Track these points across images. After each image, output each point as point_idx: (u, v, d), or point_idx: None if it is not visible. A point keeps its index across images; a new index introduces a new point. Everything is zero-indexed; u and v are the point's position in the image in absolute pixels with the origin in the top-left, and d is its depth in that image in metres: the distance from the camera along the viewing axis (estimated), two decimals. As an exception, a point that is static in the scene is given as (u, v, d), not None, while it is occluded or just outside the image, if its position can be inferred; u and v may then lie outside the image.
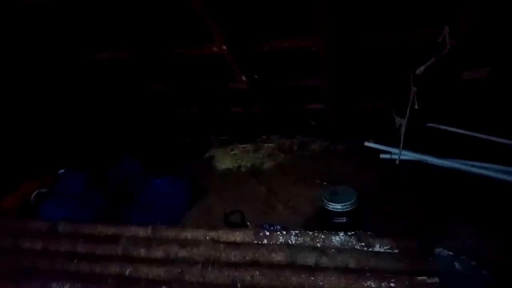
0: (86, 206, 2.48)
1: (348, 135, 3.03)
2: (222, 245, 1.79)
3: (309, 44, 1.86)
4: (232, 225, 2.36)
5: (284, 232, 1.83)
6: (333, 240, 1.78)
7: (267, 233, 1.85)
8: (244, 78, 2.17)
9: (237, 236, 1.86)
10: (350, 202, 1.89)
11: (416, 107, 2.08)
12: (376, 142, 2.84)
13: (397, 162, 2.32)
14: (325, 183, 2.59)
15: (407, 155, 2.62)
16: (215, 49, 1.99)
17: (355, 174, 2.61)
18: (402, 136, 2.27)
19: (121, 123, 3.14)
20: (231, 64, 2.12)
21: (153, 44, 2.12)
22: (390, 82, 2.35)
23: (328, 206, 1.92)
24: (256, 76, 2.21)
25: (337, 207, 1.90)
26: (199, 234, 1.89)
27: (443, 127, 2.68)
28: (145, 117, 3.14)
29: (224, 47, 1.89)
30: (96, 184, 2.68)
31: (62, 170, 2.86)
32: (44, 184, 2.76)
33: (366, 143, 2.85)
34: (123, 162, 2.93)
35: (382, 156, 2.75)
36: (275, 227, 2.22)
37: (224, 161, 3.12)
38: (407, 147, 2.68)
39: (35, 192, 2.70)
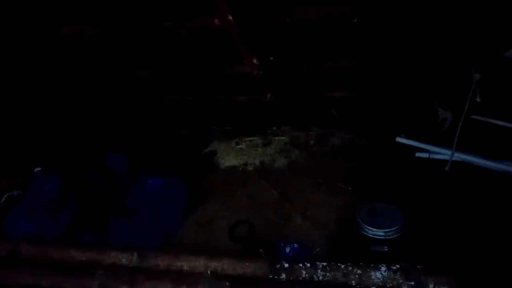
0: (59, 215, 2.06)
1: (374, 128, 2.57)
2: (227, 283, 1.36)
3: (345, 12, 1.36)
4: (239, 241, 1.95)
5: (308, 265, 1.40)
6: (373, 277, 1.35)
7: (286, 265, 1.42)
8: (255, 60, 1.68)
9: (247, 268, 1.44)
10: (396, 227, 1.45)
11: (478, 99, 1.61)
12: (409, 138, 2.38)
13: (447, 168, 1.86)
14: (350, 188, 2.15)
15: (446, 154, 2.17)
16: (216, 21, 1.50)
17: (388, 178, 2.16)
18: (458, 133, 1.78)
19: (104, 113, 2.67)
20: (238, 42, 1.63)
21: (126, 15, 1.62)
22: (438, 65, 1.86)
23: (366, 232, 1.48)
24: (271, 58, 1.73)
25: (378, 233, 1.46)
26: (198, 264, 1.46)
27: (494, 121, 2.20)
28: (131, 107, 2.66)
29: (230, 18, 1.40)
30: (73, 187, 2.25)
31: (38, 169, 2.42)
32: (15, 185, 2.34)
33: (398, 139, 2.39)
34: (107, 159, 2.49)
35: (418, 155, 2.29)
36: (293, 246, 1.81)
37: (228, 157, 2.67)
38: (444, 144, 2.23)
39: (5, 195, 2.30)
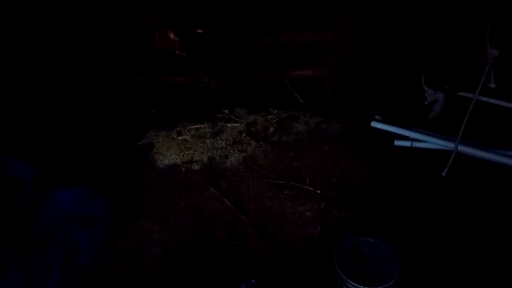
0: None
1: (344, 109, 2.13)
2: None
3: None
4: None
5: None
6: None
7: None
8: (172, 36, 1.11)
9: None
10: (391, 282, 1.04)
11: (492, 85, 1.18)
12: (386, 122, 1.97)
13: (444, 173, 1.44)
14: (319, 192, 1.73)
15: (435, 143, 1.79)
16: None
17: (363, 175, 1.75)
18: (465, 120, 1.34)
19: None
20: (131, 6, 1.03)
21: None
22: (430, 36, 1.40)
23: (348, 287, 1.06)
24: (200, 31, 1.16)
25: (367, 291, 1.05)
26: None
27: (485, 98, 1.82)
28: (36, 95, 1.96)
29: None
30: None
31: None
32: None
33: (373, 124, 1.97)
34: (5, 168, 1.86)
35: (397, 143, 1.89)
36: (249, 283, 1.38)
37: (168, 152, 2.13)
38: (427, 128, 1.85)
39: None
